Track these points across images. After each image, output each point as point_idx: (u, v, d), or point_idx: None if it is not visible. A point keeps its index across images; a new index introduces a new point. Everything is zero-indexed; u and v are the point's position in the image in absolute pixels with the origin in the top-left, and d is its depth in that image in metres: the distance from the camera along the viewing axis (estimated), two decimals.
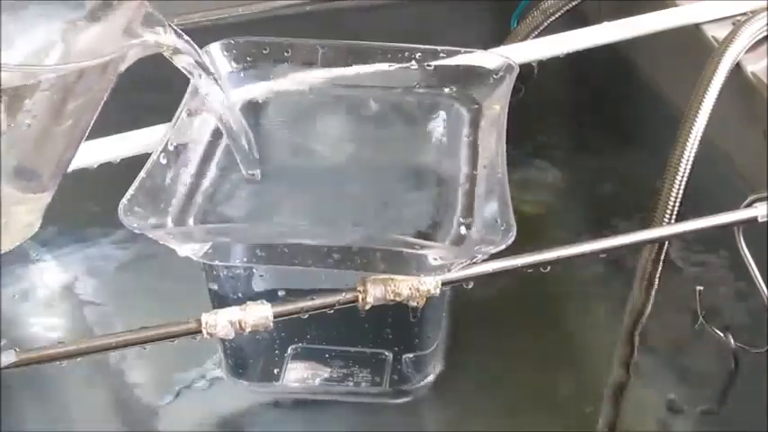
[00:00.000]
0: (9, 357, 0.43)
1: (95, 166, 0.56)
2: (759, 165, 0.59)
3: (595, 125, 0.81)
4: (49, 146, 0.41)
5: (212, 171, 0.52)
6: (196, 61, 0.45)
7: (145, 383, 0.65)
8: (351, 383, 0.61)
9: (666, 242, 0.60)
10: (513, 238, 0.44)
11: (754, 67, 0.61)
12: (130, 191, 0.46)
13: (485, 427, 0.63)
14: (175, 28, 0.43)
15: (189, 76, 0.46)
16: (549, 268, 0.48)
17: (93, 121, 0.42)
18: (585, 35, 0.64)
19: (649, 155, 0.74)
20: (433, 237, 0.48)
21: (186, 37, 0.44)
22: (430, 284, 0.46)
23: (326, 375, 0.61)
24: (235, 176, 0.51)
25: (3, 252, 0.43)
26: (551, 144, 0.81)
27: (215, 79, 0.47)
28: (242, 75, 0.57)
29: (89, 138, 0.55)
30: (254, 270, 0.56)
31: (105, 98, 0.42)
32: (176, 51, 0.44)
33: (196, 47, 0.45)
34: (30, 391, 0.64)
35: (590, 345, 0.67)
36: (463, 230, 0.48)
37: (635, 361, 0.63)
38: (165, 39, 0.43)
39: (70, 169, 0.55)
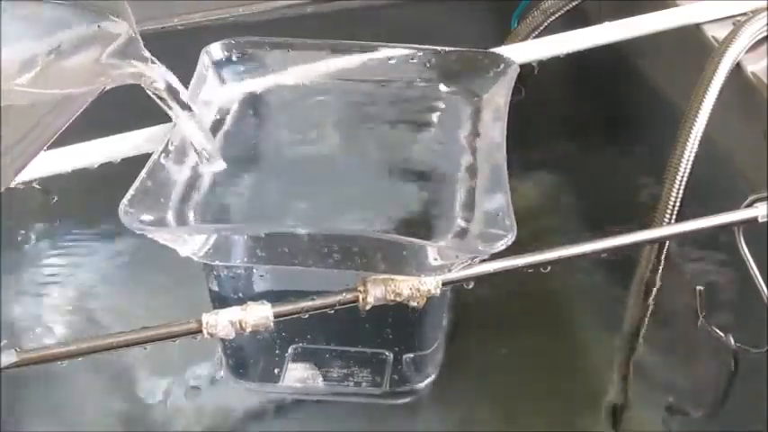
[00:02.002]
0: (9, 357, 0.43)
1: (95, 166, 0.55)
2: (759, 165, 0.59)
3: (595, 125, 0.81)
4: (17, 147, 0.42)
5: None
6: (174, 95, 0.45)
7: (145, 383, 0.65)
8: (351, 384, 0.61)
9: (666, 242, 0.60)
10: (514, 236, 0.44)
11: (754, 67, 0.61)
12: (131, 191, 0.46)
13: (485, 428, 0.63)
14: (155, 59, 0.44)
15: (162, 105, 0.46)
16: (549, 268, 0.48)
17: (60, 132, 0.43)
18: (586, 35, 0.64)
19: (649, 155, 0.74)
20: (433, 233, 0.47)
21: (169, 73, 0.44)
22: (430, 284, 0.46)
23: (327, 375, 0.61)
24: (234, 175, 0.51)
25: None
26: (551, 144, 0.81)
27: (190, 110, 0.47)
28: (241, 69, 0.57)
29: (89, 138, 0.56)
30: (255, 270, 0.56)
31: (78, 113, 0.42)
32: (155, 83, 0.44)
33: (177, 81, 0.45)
34: (28, 389, 0.64)
35: (590, 344, 0.67)
36: (464, 226, 0.47)
37: (635, 360, 0.63)
38: (146, 71, 0.43)
39: (70, 169, 0.55)
